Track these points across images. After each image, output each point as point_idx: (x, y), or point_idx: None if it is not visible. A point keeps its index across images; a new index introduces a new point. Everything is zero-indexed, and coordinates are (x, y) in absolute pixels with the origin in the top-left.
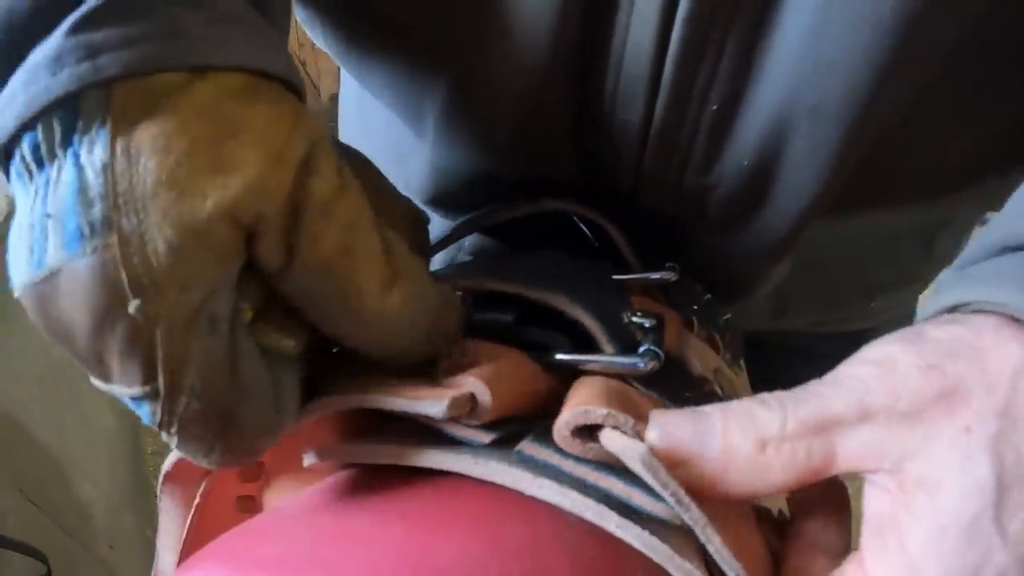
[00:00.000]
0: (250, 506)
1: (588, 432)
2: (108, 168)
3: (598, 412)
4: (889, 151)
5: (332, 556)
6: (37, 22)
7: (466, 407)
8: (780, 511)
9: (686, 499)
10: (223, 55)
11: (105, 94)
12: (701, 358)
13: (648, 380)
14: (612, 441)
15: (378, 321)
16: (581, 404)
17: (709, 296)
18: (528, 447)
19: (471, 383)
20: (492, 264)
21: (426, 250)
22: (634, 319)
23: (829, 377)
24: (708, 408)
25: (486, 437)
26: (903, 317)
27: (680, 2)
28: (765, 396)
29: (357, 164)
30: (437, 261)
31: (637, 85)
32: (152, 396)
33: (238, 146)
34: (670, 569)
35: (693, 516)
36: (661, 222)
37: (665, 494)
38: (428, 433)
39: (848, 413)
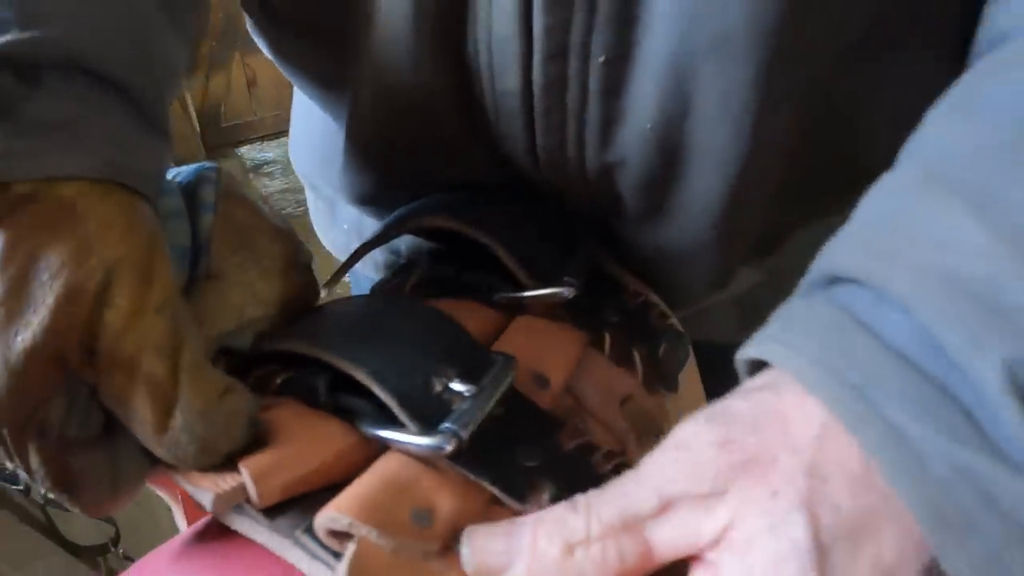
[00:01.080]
0: None
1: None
2: None
3: (342, 521)
4: (858, 151)
5: None
6: None
7: (240, 496)
8: None
9: None
10: (21, 171)
11: None
12: (604, 386)
13: (465, 455)
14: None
15: (159, 445)
16: (333, 509)
17: (643, 300)
18: (301, 537)
19: (244, 475)
20: (329, 316)
21: (315, 292)
22: (452, 386)
23: (638, 469)
24: (523, 519)
25: (264, 521)
26: None
27: None
28: (577, 499)
29: (244, 216)
30: (380, 262)
31: (509, 46)
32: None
33: (39, 287)
34: None
35: None
36: (579, 217)
37: None
38: None
39: (649, 507)
